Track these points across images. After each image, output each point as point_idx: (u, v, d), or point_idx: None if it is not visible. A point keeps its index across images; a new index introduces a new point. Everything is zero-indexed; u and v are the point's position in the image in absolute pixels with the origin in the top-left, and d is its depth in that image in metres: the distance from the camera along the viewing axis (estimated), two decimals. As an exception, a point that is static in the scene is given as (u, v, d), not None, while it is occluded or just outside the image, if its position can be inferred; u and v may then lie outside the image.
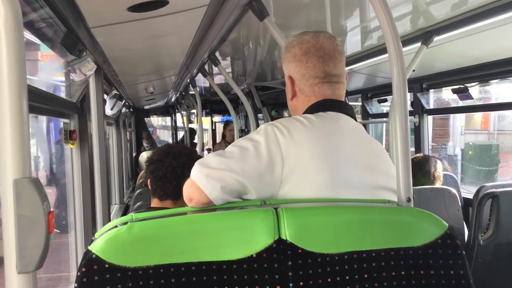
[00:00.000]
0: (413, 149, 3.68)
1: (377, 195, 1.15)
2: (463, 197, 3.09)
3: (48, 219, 0.81)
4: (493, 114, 13.38)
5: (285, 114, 6.41)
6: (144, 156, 6.17)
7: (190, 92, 5.17)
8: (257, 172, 1.07)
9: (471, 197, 2.85)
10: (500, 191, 2.23)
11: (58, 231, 2.99)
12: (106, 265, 0.87)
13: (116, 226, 0.92)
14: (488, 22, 2.01)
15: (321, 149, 1.11)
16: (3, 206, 0.80)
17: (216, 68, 2.92)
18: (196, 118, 7.21)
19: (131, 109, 7.11)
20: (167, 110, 8.96)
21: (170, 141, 10.26)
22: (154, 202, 1.92)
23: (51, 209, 0.83)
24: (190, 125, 7.68)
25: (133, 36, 2.17)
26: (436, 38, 2.29)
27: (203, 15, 1.82)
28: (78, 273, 0.87)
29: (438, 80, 3.49)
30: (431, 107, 3.69)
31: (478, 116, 14.04)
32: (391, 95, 1.17)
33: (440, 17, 2.13)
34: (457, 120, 13.71)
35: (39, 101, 1.79)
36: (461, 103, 3.41)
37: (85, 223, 2.46)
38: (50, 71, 2.54)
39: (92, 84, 2.57)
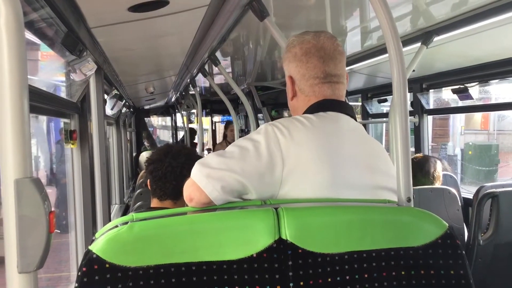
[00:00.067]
0: (413, 149, 3.68)
1: (377, 195, 1.15)
2: (463, 197, 3.09)
3: (49, 219, 0.81)
4: (493, 114, 13.38)
5: (285, 114, 6.41)
6: (144, 156, 6.17)
7: (190, 92, 5.17)
8: (257, 172, 1.07)
9: (471, 197, 2.85)
10: (500, 191, 2.23)
11: (59, 231, 2.99)
12: (107, 265, 0.88)
13: (116, 226, 0.92)
14: (488, 22, 2.01)
15: (321, 149, 1.11)
16: (4, 206, 0.80)
17: (216, 68, 2.92)
18: (196, 118, 7.21)
19: (131, 109, 7.12)
20: (167, 110, 8.96)
21: (170, 141, 10.26)
22: (154, 202, 1.92)
23: (52, 209, 0.83)
24: (190, 125, 7.68)
25: (133, 36, 2.18)
26: (436, 38, 2.30)
27: (203, 15, 1.82)
28: (79, 273, 0.87)
29: (438, 80, 3.49)
30: (431, 107, 3.69)
31: (478, 116, 14.04)
32: (391, 95, 1.17)
33: (440, 17, 2.14)
34: (457, 120, 13.71)
35: (40, 101, 1.79)
36: (461, 103, 3.41)
37: (86, 223, 2.46)
38: (51, 71, 2.54)
39: (93, 84, 2.57)
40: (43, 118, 3.77)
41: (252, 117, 3.11)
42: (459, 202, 2.73)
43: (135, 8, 1.57)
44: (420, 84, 3.58)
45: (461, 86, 3.19)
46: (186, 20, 1.95)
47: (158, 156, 1.91)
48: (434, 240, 1.02)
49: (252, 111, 3.11)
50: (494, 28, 2.08)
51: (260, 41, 2.76)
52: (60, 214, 2.82)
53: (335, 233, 0.98)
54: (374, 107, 4.48)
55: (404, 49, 1.16)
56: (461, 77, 3.19)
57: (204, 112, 8.45)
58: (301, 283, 0.95)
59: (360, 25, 2.40)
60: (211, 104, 8.23)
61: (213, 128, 9.88)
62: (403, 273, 1.00)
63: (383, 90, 4.21)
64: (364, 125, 4.19)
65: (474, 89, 3.19)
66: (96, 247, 0.89)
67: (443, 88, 3.66)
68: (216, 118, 9.77)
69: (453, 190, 2.72)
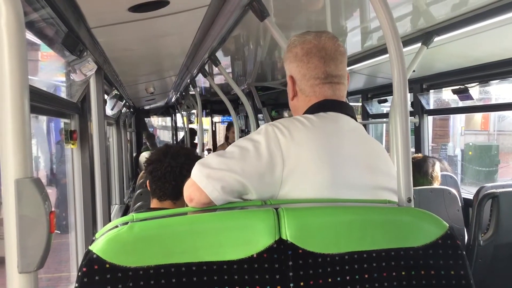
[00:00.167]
0: (413, 149, 3.68)
1: (377, 195, 1.15)
2: (463, 198, 3.09)
3: (50, 219, 0.81)
4: (493, 115, 13.38)
5: (285, 114, 6.41)
6: (144, 156, 6.17)
7: (190, 93, 5.17)
8: (258, 172, 1.07)
9: (471, 198, 2.85)
10: (500, 191, 2.23)
11: (58, 231, 2.99)
12: (107, 265, 0.88)
13: (116, 226, 0.92)
14: (488, 23, 2.01)
15: (322, 149, 1.11)
16: (4, 206, 0.80)
17: (216, 69, 2.92)
18: (196, 118, 7.21)
19: (132, 109, 7.12)
20: (167, 110, 8.97)
21: (171, 141, 10.26)
22: (154, 203, 1.92)
23: (52, 209, 0.83)
24: (190, 126, 7.68)
25: (133, 36, 2.18)
26: (437, 39, 2.30)
27: (203, 15, 1.82)
28: (79, 273, 0.87)
29: (438, 80, 3.49)
30: (431, 107, 3.70)
31: (478, 116, 14.03)
32: (391, 95, 1.17)
33: (440, 17, 2.14)
34: (457, 121, 13.70)
35: (40, 101, 1.79)
36: (461, 104, 3.41)
37: (86, 223, 2.46)
38: (51, 71, 2.54)
39: (93, 84, 2.57)
40: (43, 118, 3.77)
41: (252, 117, 3.11)
42: (459, 203, 2.73)
43: (135, 8, 1.57)
44: (421, 85, 3.59)
45: (461, 87, 3.19)
46: (186, 20, 1.95)
47: (157, 157, 1.91)
48: (434, 240, 1.02)
49: (252, 111, 3.11)
50: (494, 28, 2.09)
51: (260, 41, 2.76)
52: (60, 214, 2.82)
53: (335, 233, 0.98)
54: (374, 107, 4.48)
55: (405, 49, 1.16)
56: (461, 77, 3.19)
57: (204, 112, 8.45)
58: (301, 284, 0.95)
59: (361, 26, 2.40)
60: (211, 104, 8.24)
61: (213, 128, 9.88)
62: (403, 273, 1.00)
63: (384, 91, 4.21)
64: (364, 126, 4.19)
65: (474, 90, 3.19)
66: (96, 247, 0.89)
67: (443, 89, 3.66)
68: (216, 118, 9.78)
69: (453, 191, 2.72)
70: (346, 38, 2.57)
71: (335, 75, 1.23)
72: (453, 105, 4.13)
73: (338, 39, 1.27)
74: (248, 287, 0.93)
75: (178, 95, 5.92)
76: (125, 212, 4.66)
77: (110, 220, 2.74)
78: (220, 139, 10.91)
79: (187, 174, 1.13)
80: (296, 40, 1.26)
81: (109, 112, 4.33)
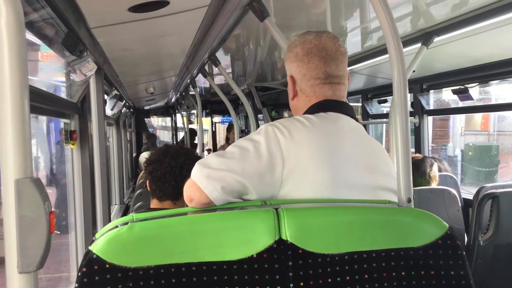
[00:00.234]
0: (413, 149, 3.68)
1: (377, 196, 1.15)
2: (463, 198, 3.09)
3: (49, 219, 0.81)
4: (493, 115, 13.37)
5: (285, 114, 6.41)
6: (144, 156, 6.17)
7: (190, 93, 5.17)
8: (258, 172, 1.07)
9: (471, 198, 2.85)
10: (500, 191, 2.23)
11: (58, 232, 2.99)
12: (107, 265, 0.88)
13: (116, 227, 0.92)
14: (488, 23, 2.01)
15: (322, 149, 1.11)
16: (4, 206, 0.80)
17: (216, 69, 2.92)
18: (196, 118, 7.21)
19: (131, 110, 7.12)
20: (167, 110, 8.97)
21: (170, 142, 10.26)
22: (154, 203, 1.91)
23: (52, 209, 0.83)
24: (190, 126, 7.68)
25: (133, 36, 2.18)
26: (436, 39, 2.30)
27: (203, 15, 1.83)
28: (79, 273, 0.87)
29: (438, 80, 3.49)
30: (431, 107, 3.70)
31: (478, 117, 14.03)
32: (391, 95, 1.17)
33: (440, 18, 2.14)
34: (457, 121, 13.71)
35: (40, 102, 1.79)
36: (461, 104, 3.42)
37: (86, 224, 2.46)
38: (51, 72, 2.54)
39: (93, 85, 2.57)
40: (43, 118, 3.77)
41: (252, 117, 3.11)
42: (459, 203, 2.74)
43: (135, 9, 1.57)
44: (421, 85, 3.59)
45: (461, 87, 3.19)
46: (186, 21, 1.95)
47: (157, 157, 1.91)
48: (434, 240, 1.02)
49: (252, 111, 3.11)
50: (494, 28, 2.09)
51: (260, 41, 2.76)
52: (60, 214, 2.82)
53: (335, 233, 0.98)
54: (374, 107, 4.48)
55: (405, 49, 1.16)
56: (461, 77, 3.19)
57: (204, 112, 8.45)
58: (301, 284, 0.95)
59: (361, 26, 2.40)
60: (211, 104, 8.24)
61: (213, 129, 9.88)
62: (403, 273, 1.00)
63: (383, 91, 4.21)
64: (364, 126, 4.19)
65: (474, 90, 3.19)
66: (96, 248, 0.88)
67: (443, 89, 3.66)
68: (216, 118, 9.78)
69: (453, 191, 2.73)
70: (346, 38, 2.58)
71: (336, 75, 1.23)
72: (453, 106, 4.13)
73: (338, 39, 1.26)
74: (248, 287, 0.93)
75: (178, 95, 5.92)
76: (125, 213, 4.66)
77: (110, 220, 2.74)
78: (220, 139, 10.92)
79: (187, 174, 1.13)
80: (296, 40, 1.26)
81: (109, 112, 4.34)
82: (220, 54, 2.87)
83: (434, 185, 2.83)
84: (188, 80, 4.08)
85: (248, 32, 2.46)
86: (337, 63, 1.23)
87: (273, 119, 5.04)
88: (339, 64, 1.24)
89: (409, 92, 1.21)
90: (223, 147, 6.94)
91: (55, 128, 4.17)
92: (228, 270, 0.93)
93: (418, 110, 3.61)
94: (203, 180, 1.07)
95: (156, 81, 4.44)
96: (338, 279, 0.97)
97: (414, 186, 2.61)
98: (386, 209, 1.09)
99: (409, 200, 1.12)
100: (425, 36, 2.31)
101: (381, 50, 2.75)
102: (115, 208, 4.81)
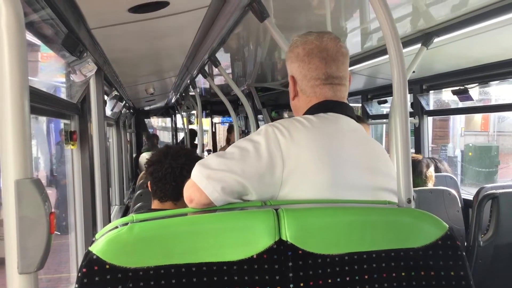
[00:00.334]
0: (413, 150, 3.68)
1: (377, 196, 1.15)
2: (463, 198, 3.09)
3: (50, 220, 0.81)
4: (493, 116, 13.38)
5: (285, 115, 6.41)
6: (144, 157, 6.17)
7: (190, 93, 5.17)
8: (258, 173, 1.07)
9: (471, 198, 2.85)
10: (500, 192, 2.23)
11: (58, 232, 2.99)
12: (107, 266, 0.88)
13: (116, 227, 0.92)
14: (488, 24, 2.01)
15: (322, 150, 1.11)
16: (4, 206, 0.80)
17: (216, 69, 2.92)
18: (196, 119, 7.21)
19: (131, 110, 7.12)
20: (167, 111, 8.97)
21: (170, 142, 10.26)
22: (155, 204, 1.91)
23: (52, 210, 0.83)
24: (190, 126, 7.68)
25: (133, 37, 2.18)
26: (436, 40, 2.30)
27: (203, 16, 1.83)
28: (79, 274, 0.87)
29: (438, 81, 3.49)
30: (431, 108, 3.70)
31: (478, 117, 14.03)
32: (391, 96, 1.17)
33: (440, 18, 2.14)
34: (457, 122, 13.71)
35: (40, 102, 1.79)
36: (461, 105, 3.42)
37: (86, 224, 2.46)
38: (51, 72, 2.54)
39: (93, 85, 2.57)
40: (43, 119, 3.77)
41: (252, 118, 3.11)
42: (459, 203, 2.74)
43: (135, 9, 1.57)
44: (420, 85, 3.59)
45: (461, 87, 3.19)
46: (186, 21, 1.95)
47: (158, 158, 1.91)
48: (434, 241, 1.02)
49: (252, 112, 3.12)
50: (494, 29, 2.09)
51: (260, 42, 2.76)
52: (60, 215, 2.82)
53: (335, 234, 0.98)
54: (374, 108, 4.48)
55: (404, 50, 1.16)
56: (461, 78, 3.19)
57: (204, 113, 8.45)
58: (301, 284, 0.95)
59: (360, 26, 2.40)
60: (211, 105, 8.24)
61: (213, 129, 9.89)
62: (403, 274, 1.00)
63: (383, 91, 4.21)
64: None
65: (474, 90, 3.19)
66: (96, 248, 0.88)
67: (443, 89, 3.66)
68: (216, 119, 9.78)
69: (453, 191, 2.73)
70: (346, 39, 2.58)
71: (336, 76, 1.23)
72: (453, 106, 4.13)
73: (340, 40, 1.26)
74: (247, 287, 0.93)
75: (178, 96, 5.92)
76: (124, 213, 4.66)
77: (110, 221, 2.74)
78: (220, 140, 10.92)
79: (188, 175, 1.13)
80: (298, 41, 1.26)
81: (109, 112, 4.33)
82: (220, 55, 2.87)
83: (430, 184, 2.85)
84: (188, 81, 4.08)
85: (248, 32, 2.46)
86: (338, 64, 1.23)
87: (273, 119, 5.04)
88: (340, 65, 1.24)
89: (409, 93, 1.21)
90: (224, 148, 6.94)
91: (55, 129, 4.17)
92: (228, 270, 0.93)
93: (418, 110, 3.61)
94: (203, 181, 1.07)
95: (156, 82, 4.44)
96: (338, 279, 0.97)
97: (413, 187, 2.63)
98: (386, 209, 1.09)
99: (409, 201, 1.12)
100: (425, 37, 2.31)
101: (381, 51, 2.75)
102: (115, 209, 4.81)
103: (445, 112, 5.76)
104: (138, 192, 3.25)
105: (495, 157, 11.65)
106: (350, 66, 1.27)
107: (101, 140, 2.65)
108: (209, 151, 8.45)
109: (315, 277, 0.95)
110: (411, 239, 1.01)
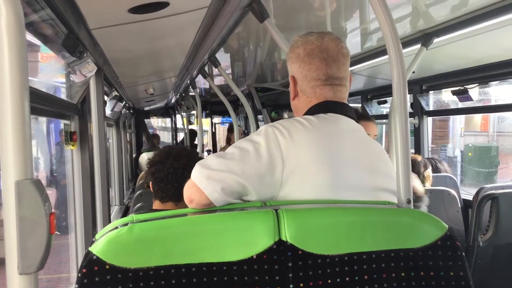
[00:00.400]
0: (413, 150, 3.68)
1: (377, 197, 1.15)
2: (463, 199, 3.10)
3: (50, 220, 0.81)
4: (493, 116, 13.39)
5: (285, 115, 6.41)
6: (144, 157, 6.17)
7: (190, 94, 5.18)
8: (258, 173, 1.07)
9: (471, 199, 2.86)
10: (499, 192, 2.23)
11: (58, 232, 2.99)
12: (107, 266, 0.88)
13: (116, 227, 0.92)
14: (488, 24, 2.01)
15: (322, 150, 1.11)
16: (4, 207, 0.80)
17: (216, 70, 2.92)
18: (196, 119, 7.22)
19: (131, 110, 7.12)
20: (167, 111, 8.97)
21: (170, 142, 10.27)
22: (156, 204, 1.91)
23: (52, 210, 0.83)
24: (190, 127, 7.68)
25: (133, 37, 2.18)
26: (436, 40, 2.30)
27: (203, 16, 1.83)
28: (79, 274, 0.87)
29: (438, 81, 3.49)
30: (431, 108, 3.70)
31: (477, 117, 14.04)
32: (391, 96, 1.17)
33: (439, 19, 2.14)
34: (457, 122, 13.71)
35: (40, 103, 1.79)
36: (460, 105, 3.42)
37: (86, 224, 2.46)
38: (51, 73, 2.54)
39: (93, 86, 2.57)
40: (43, 120, 3.77)
41: (252, 118, 3.11)
42: (459, 204, 2.74)
43: (135, 10, 1.57)
44: (420, 86, 3.59)
45: (461, 88, 3.19)
46: (186, 22, 1.95)
47: (159, 158, 1.91)
48: (433, 241, 1.02)
49: (252, 112, 3.12)
50: (494, 29, 2.09)
51: (260, 42, 2.76)
52: (60, 215, 2.82)
53: (335, 234, 0.98)
54: (374, 108, 4.48)
55: (404, 50, 1.16)
56: (461, 78, 3.19)
57: (204, 113, 8.46)
58: (301, 285, 0.95)
59: (360, 27, 2.40)
60: (211, 105, 8.24)
61: (213, 129, 9.89)
62: (403, 274, 1.00)
63: (383, 92, 4.21)
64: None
65: (474, 91, 3.19)
66: (96, 249, 0.89)
67: (443, 90, 3.66)
68: (216, 119, 9.79)
69: (453, 192, 2.73)
70: (345, 39, 2.58)
71: (337, 77, 1.23)
72: (452, 106, 4.13)
73: (341, 40, 1.26)
74: (247, 288, 0.93)
75: (178, 96, 5.92)
76: (124, 213, 4.66)
77: (110, 221, 2.74)
78: (220, 140, 10.92)
79: (189, 176, 1.13)
80: (298, 41, 1.26)
81: (109, 113, 4.33)
82: (220, 55, 2.87)
83: (428, 184, 2.86)
84: (188, 81, 4.08)
85: (248, 33, 2.46)
86: (338, 64, 1.23)
87: (273, 120, 5.04)
88: (341, 66, 1.24)
89: (408, 93, 1.21)
90: (224, 148, 6.93)
91: (55, 129, 4.17)
92: (228, 271, 0.93)
93: (418, 111, 3.61)
94: (203, 181, 1.07)
95: (156, 82, 4.44)
96: (338, 280, 0.97)
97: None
98: (386, 210, 1.09)
99: (408, 201, 1.12)
100: (424, 37, 2.31)
101: (381, 51, 2.75)
102: (115, 209, 4.80)
103: (444, 112, 5.77)
104: (138, 192, 3.25)
105: (495, 158, 11.65)
106: (350, 66, 1.27)
107: (101, 141, 2.65)
108: (209, 151, 8.45)
109: (315, 278, 0.96)
110: (410, 240, 1.02)
